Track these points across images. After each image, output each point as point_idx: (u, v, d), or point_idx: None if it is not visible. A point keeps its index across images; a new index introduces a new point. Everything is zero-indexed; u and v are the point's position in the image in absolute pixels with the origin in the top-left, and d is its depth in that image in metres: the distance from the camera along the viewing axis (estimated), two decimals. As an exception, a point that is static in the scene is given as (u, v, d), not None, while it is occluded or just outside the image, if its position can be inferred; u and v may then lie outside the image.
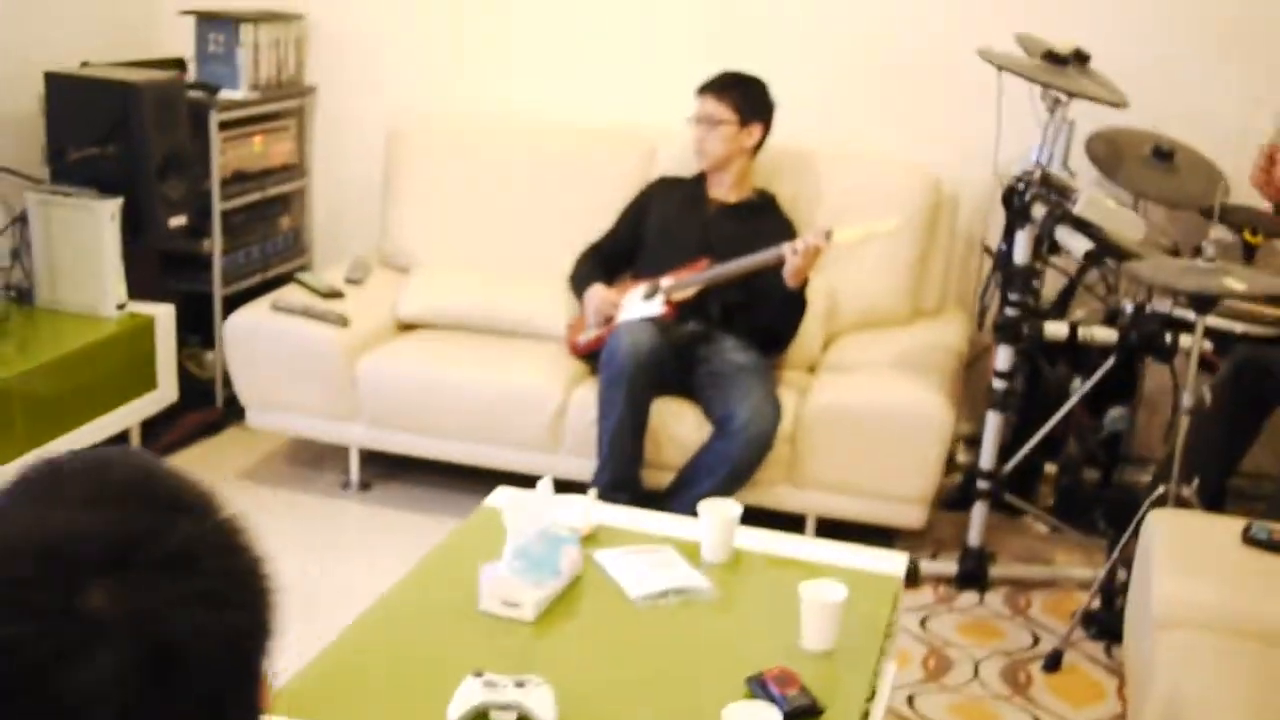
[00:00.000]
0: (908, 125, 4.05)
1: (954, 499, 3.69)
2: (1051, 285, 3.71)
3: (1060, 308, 3.69)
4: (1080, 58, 3.59)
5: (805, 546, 2.72)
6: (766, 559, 2.61)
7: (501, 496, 2.70)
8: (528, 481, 3.52)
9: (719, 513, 2.57)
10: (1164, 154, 3.68)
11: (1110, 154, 3.70)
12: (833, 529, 3.51)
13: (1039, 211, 2.98)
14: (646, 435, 3.42)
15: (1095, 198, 2.85)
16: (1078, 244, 2.82)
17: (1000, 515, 3.54)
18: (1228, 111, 3.86)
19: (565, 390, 3.55)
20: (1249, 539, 2.58)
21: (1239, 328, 3.16)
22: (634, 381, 3.34)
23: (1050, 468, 3.76)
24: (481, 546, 2.45)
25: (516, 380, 3.59)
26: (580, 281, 3.76)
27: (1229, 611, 2.40)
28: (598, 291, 3.67)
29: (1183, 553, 2.56)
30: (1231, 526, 2.63)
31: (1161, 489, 2.98)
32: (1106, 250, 2.98)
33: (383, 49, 4.45)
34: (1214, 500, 3.44)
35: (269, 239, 4.40)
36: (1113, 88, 3.59)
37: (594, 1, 4.27)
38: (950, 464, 3.70)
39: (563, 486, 3.41)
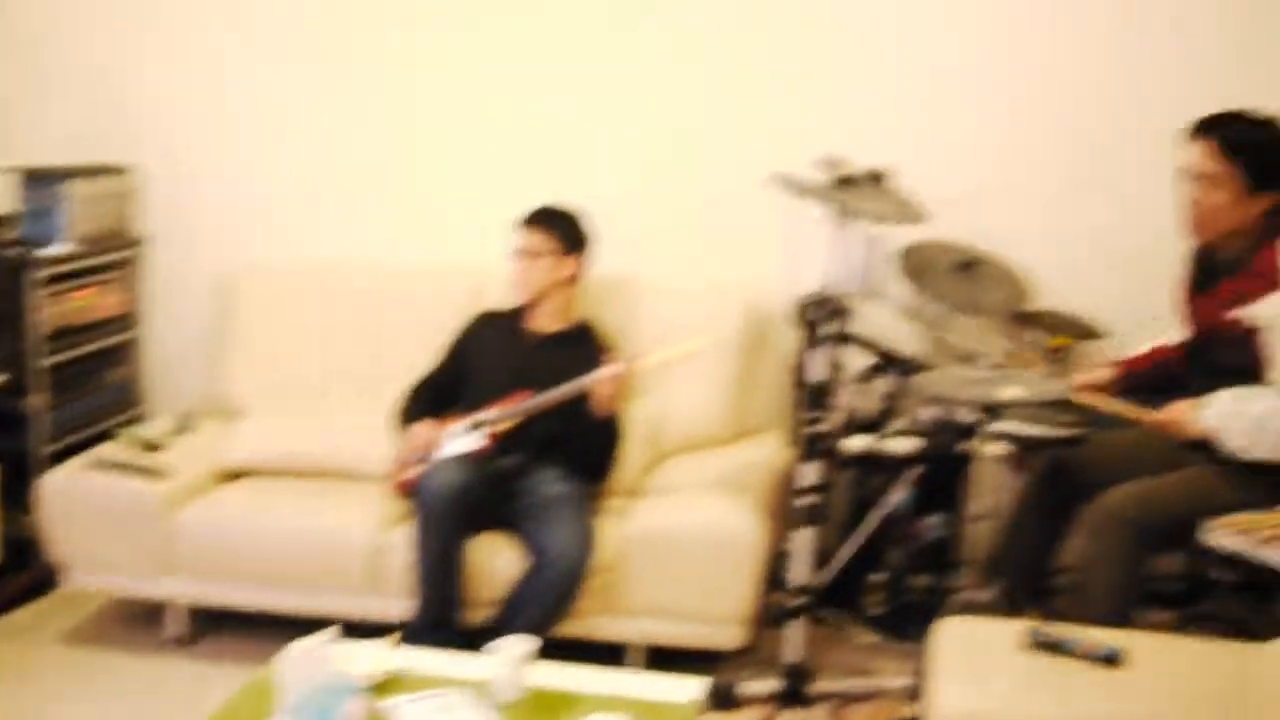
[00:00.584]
0: (728, 247, 4.13)
1: (784, 615, 3.69)
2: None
3: (885, 417, 3.76)
4: (875, 177, 3.70)
5: (600, 680, 2.70)
6: (559, 695, 2.60)
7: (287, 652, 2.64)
8: (351, 627, 3.51)
9: (508, 652, 2.56)
10: (968, 265, 3.80)
11: (919, 267, 3.81)
12: (662, 655, 3.50)
13: (828, 330, 3.04)
14: (465, 572, 3.40)
15: (873, 315, 2.92)
16: (861, 360, 2.88)
17: (827, 628, 3.55)
18: (1031, 223, 3.99)
19: (383, 531, 3.53)
20: (1032, 642, 2.61)
21: (1036, 430, 3.22)
22: (446, 520, 3.33)
23: (877, 577, 3.78)
24: (260, 708, 2.41)
25: (333, 523, 3.56)
26: (405, 419, 3.77)
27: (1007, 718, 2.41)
28: (419, 429, 3.67)
29: (965, 660, 2.58)
30: (1018, 630, 2.65)
31: (962, 595, 3.02)
32: (892, 365, 3.04)
33: (214, 198, 4.48)
34: (1038, 598, 3.50)
35: (99, 392, 4.35)
36: (909, 205, 3.70)
37: (418, 144, 4.34)
38: (780, 581, 3.71)
39: (386, 629, 3.41)
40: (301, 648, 2.38)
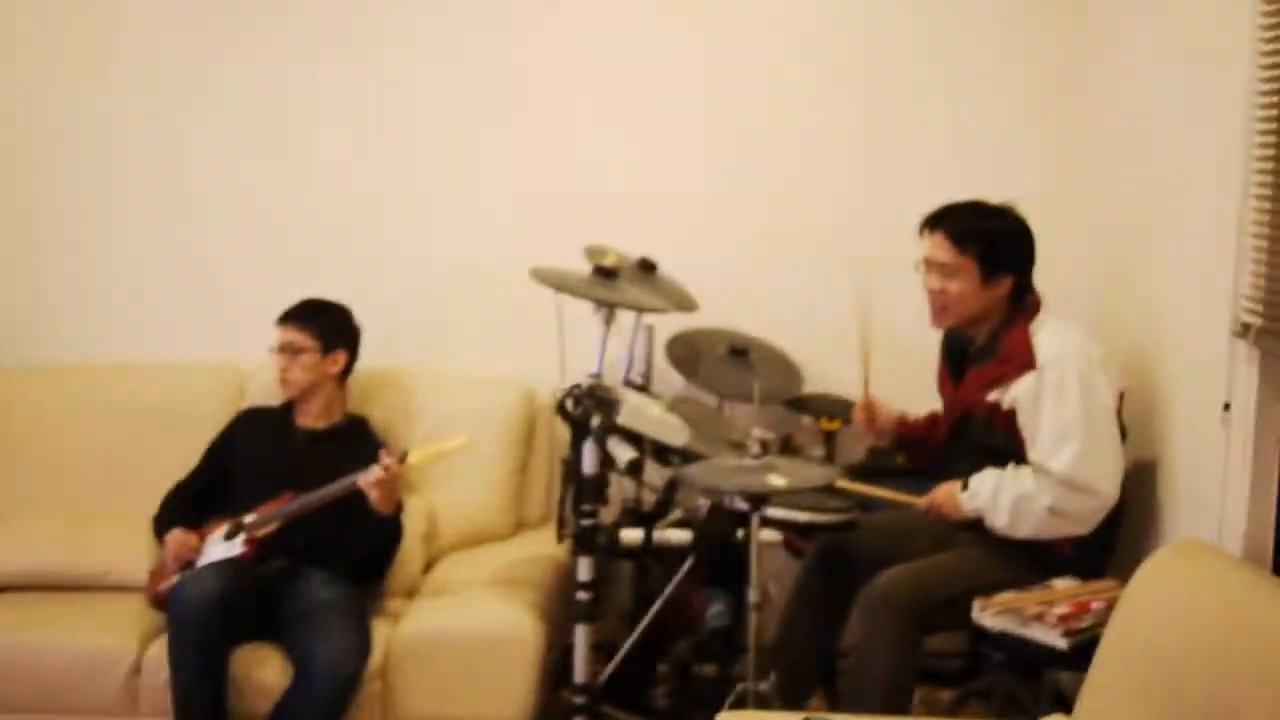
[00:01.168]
0: (504, 337, 4.08)
1: (567, 714, 3.60)
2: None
3: (663, 508, 3.73)
4: (646, 266, 3.72)
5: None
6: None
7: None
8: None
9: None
10: (739, 352, 3.82)
11: (689, 356, 3.82)
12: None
13: (595, 421, 3.00)
14: (227, 686, 3.22)
15: (637, 406, 2.90)
16: (623, 453, 2.85)
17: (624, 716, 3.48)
18: (797, 310, 4.05)
19: (139, 647, 3.33)
20: (804, 734, 2.59)
21: (805, 517, 3.23)
22: (202, 631, 3.15)
23: (663, 668, 3.73)
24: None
25: (83, 641, 3.34)
26: (162, 525, 3.58)
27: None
28: (176, 536, 3.50)
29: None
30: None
31: (740, 687, 2.99)
32: (663, 456, 3.02)
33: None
34: (822, 682, 3.50)
35: None
36: (678, 294, 3.72)
37: (171, 232, 4.18)
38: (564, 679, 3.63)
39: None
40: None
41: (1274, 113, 2.56)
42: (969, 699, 3.69)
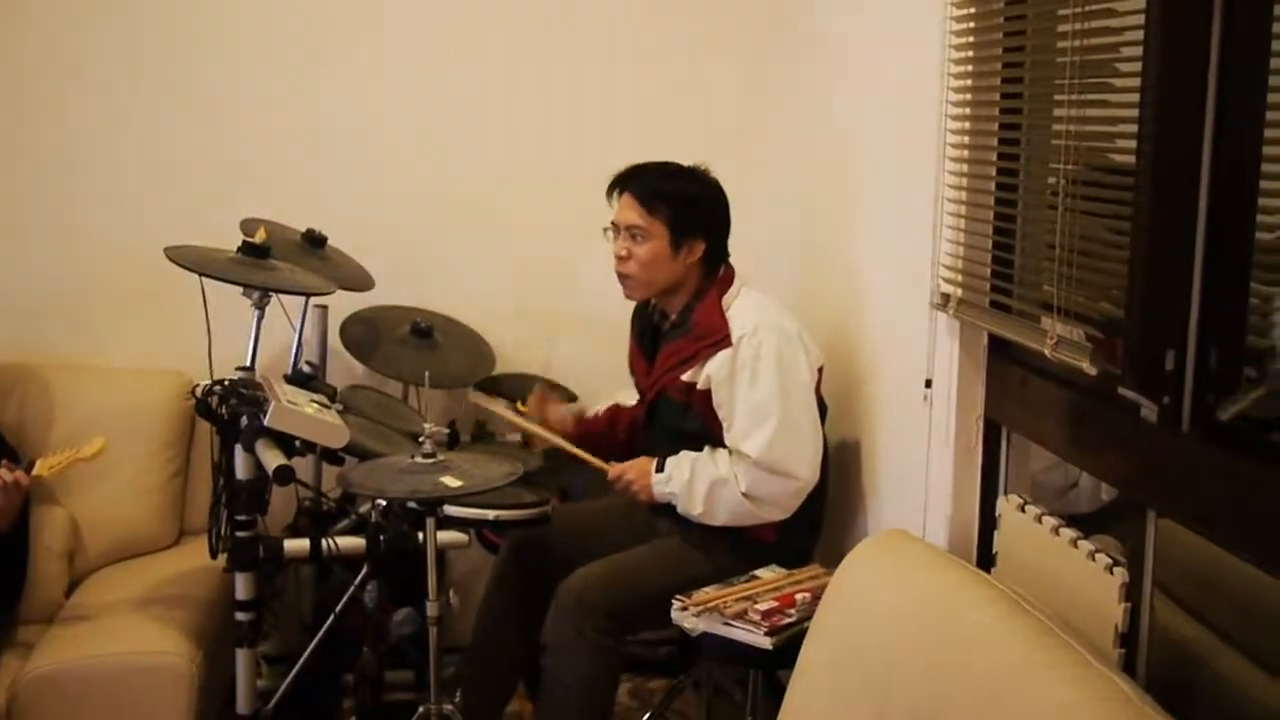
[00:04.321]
0: (155, 327, 3.62)
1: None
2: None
3: (344, 509, 3.38)
4: (314, 240, 3.36)
5: None
6: None
7: None
8: None
9: None
10: (423, 331, 3.50)
11: (367, 338, 3.47)
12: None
13: (243, 422, 2.63)
14: None
15: (286, 406, 2.54)
16: (272, 458, 2.49)
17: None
18: (487, 282, 3.77)
19: None
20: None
21: (491, 514, 2.95)
22: None
23: (348, 680, 3.40)
24: None
25: None
26: None
27: None
28: None
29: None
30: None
31: (421, 709, 2.69)
32: (326, 457, 2.68)
33: None
34: (528, 679, 3.26)
35: None
36: (352, 270, 3.39)
37: None
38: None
39: None
40: None
41: (966, 83, 2.44)
42: (681, 690, 3.50)
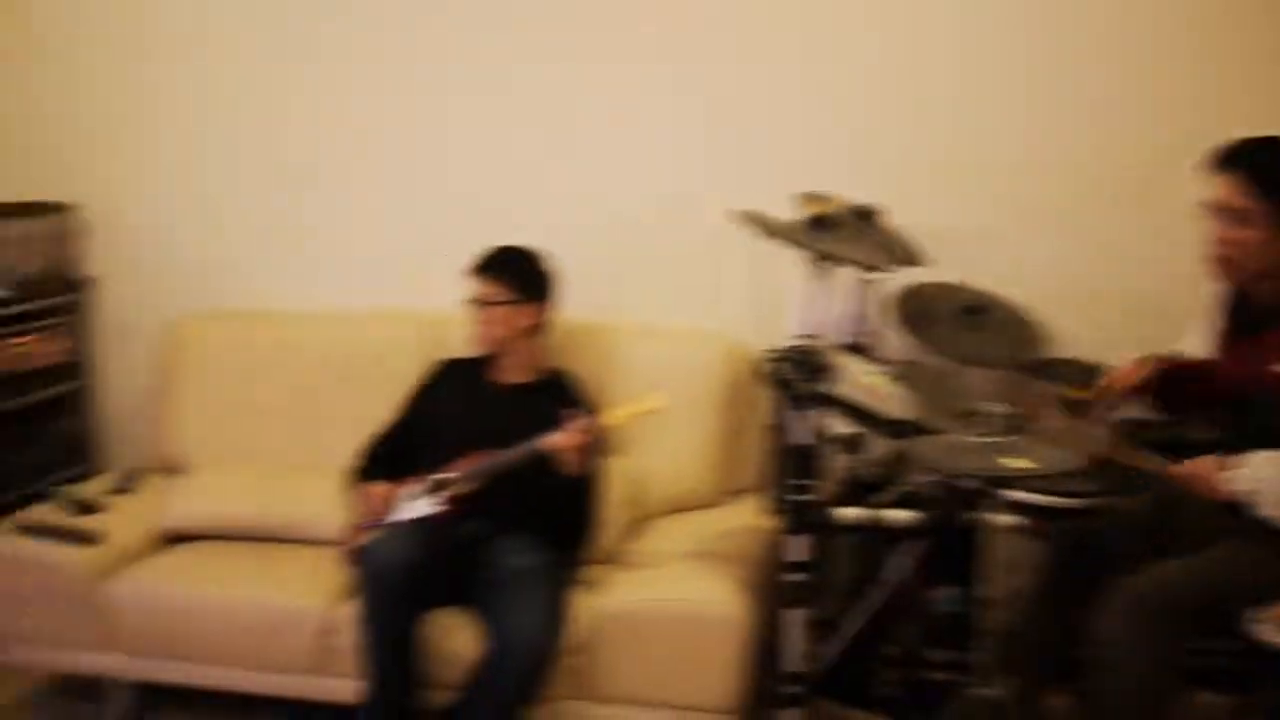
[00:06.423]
0: (707, 292, 3.80)
1: (777, 703, 3.33)
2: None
3: (884, 482, 3.41)
4: (864, 215, 3.38)
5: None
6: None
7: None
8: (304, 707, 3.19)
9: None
10: (973, 311, 3.45)
11: (919, 314, 3.46)
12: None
13: (806, 389, 2.69)
14: (419, 653, 3.06)
15: (855, 374, 2.58)
16: (838, 426, 2.54)
17: (828, 713, 3.20)
18: (1041, 262, 3.65)
19: (331, 605, 3.20)
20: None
21: (1049, 501, 2.87)
22: (391, 597, 3.00)
23: (887, 652, 3.42)
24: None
25: (275, 597, 3.23)
26: (359, 479, 3.44)
27: None
28: (373, 489, 3.34)
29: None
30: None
31: (968, 691, 2.67)
32: (883, 429, 2.71)
33: (163, 242, 4.20)
34: (1066, 677, 3.15)
35: (42, 446, 4.04)
36: (902, 246, 3.38)
37: (372, 186, 4.05)
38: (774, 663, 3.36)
39: (341, 713, 3.09)
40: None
41: None
42: (1242, 715, 3.24)
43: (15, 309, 3.95)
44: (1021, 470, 2.48)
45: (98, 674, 3.45)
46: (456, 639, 3.09)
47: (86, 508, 3.54)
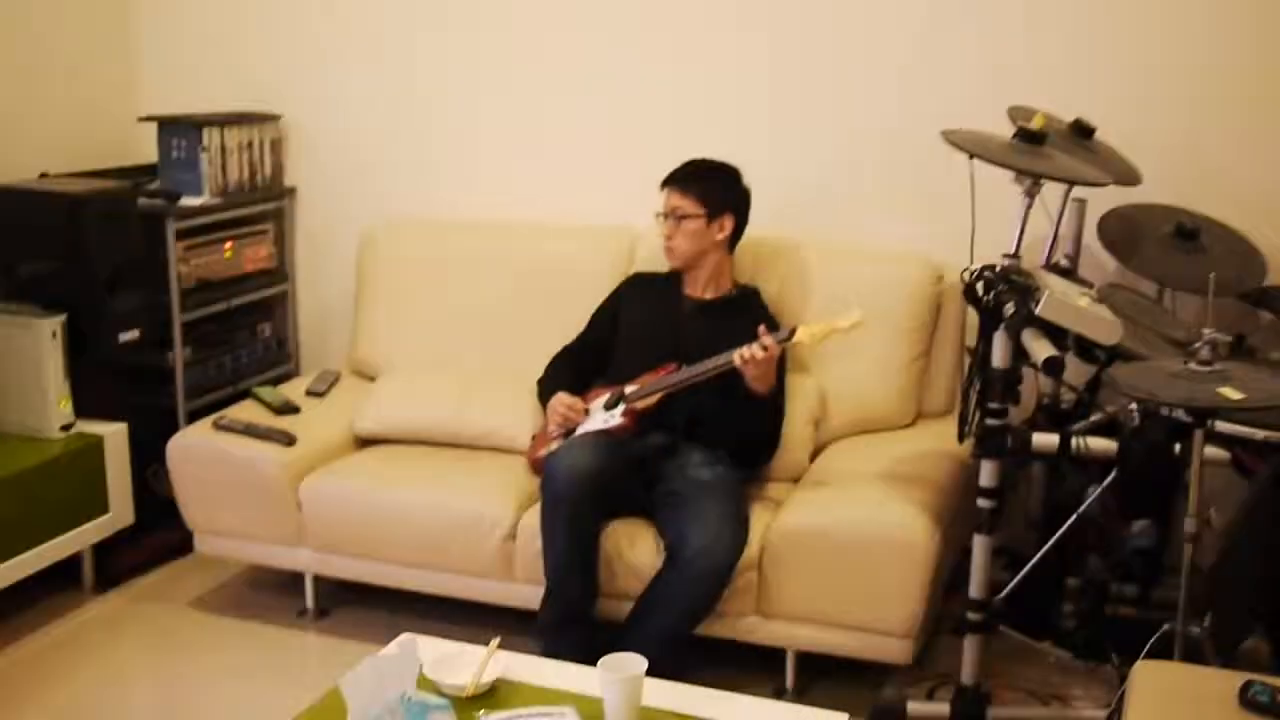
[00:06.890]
0: (910, 210, 3.70)
1: (960, 630, 3.26)
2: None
3: (1081, 410, 3.28)
4: (1082, 131, 3.23)
5: (725, 704, 2.35)
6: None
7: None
8: (483, 611, 3.24)
9: (618, 671, 2.23)
10: (1188, 233, 3.27)
11: (1126, 236, 3.31)
12: (821, 664, 3.14)
13: (1009, 310, 2.58)
14: (598, 563, 3.08)
15: (1061, 296, 2.46)
16: (1040, 349, 2.43)
17: (1011, 643, 3.12)
18: (1262, 182, 3.43)
19: (515, 513, 3.24)
20: (1247, 701, 2.14)
21: (1260, 434, 2.71)
22: (574, 507, 3.01)
23: (1073, 584, 3.31)
24: None
25: (461, 502, 3.29)
26: (547, 389, 3.46)
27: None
28: (561, 400, 3.36)
29: (1163, 718, 2.14)
30: (1231, 683, 2.19)
31: (1166, 627, 2.56)
32: (1088, 353, 2.58)
33: (361, 150, 4.27)
34: (1269, 622, 3.00)
35: (244, 348, 4.19)
36: (1117, 163, 3.22)
37: (567, 98, 4.03)
38: (956, 588, 3.28)
39: (521, 617, 3.14)
40: (372, 663, 2.09)
41: None
42: None
43: (221, 216, 4.07)
44: (1233, 402, 2.33)
45: (287, 568, 3.58)
46: (637, 549, 3.10)
47: (285, 408, 3.65)
